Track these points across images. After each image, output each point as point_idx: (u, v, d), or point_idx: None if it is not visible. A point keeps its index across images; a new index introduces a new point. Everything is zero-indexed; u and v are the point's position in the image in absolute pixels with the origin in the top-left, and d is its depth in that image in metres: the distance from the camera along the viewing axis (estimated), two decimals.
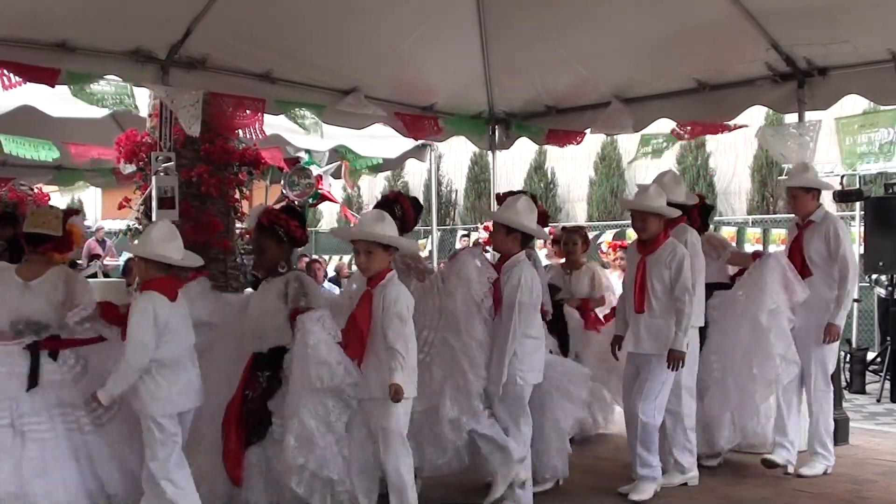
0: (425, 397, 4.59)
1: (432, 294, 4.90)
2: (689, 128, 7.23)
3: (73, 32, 5.69)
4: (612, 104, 7.35)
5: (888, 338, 9.71)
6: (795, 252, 5.79)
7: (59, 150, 8.85)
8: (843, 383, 8.50)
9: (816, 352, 5.69)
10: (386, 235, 4.32)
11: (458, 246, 15.38)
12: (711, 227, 6.89)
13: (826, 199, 15.06)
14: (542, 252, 12.55)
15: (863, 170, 11.24)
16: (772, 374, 5.59)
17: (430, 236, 12.77)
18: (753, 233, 14.57)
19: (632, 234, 18.95)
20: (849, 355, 9.53)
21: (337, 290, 9.49)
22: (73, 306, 4.46)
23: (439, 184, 19.66)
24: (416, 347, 4.34)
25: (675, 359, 5.13)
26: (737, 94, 6.79)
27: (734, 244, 10.71)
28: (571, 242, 6.91)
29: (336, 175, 10.37)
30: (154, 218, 6.50)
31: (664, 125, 7.55)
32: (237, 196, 7.70)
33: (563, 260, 7.14)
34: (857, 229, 10.74)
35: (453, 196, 21.30)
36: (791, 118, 6.97)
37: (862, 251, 9.75)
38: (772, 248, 12.55)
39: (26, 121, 7.68)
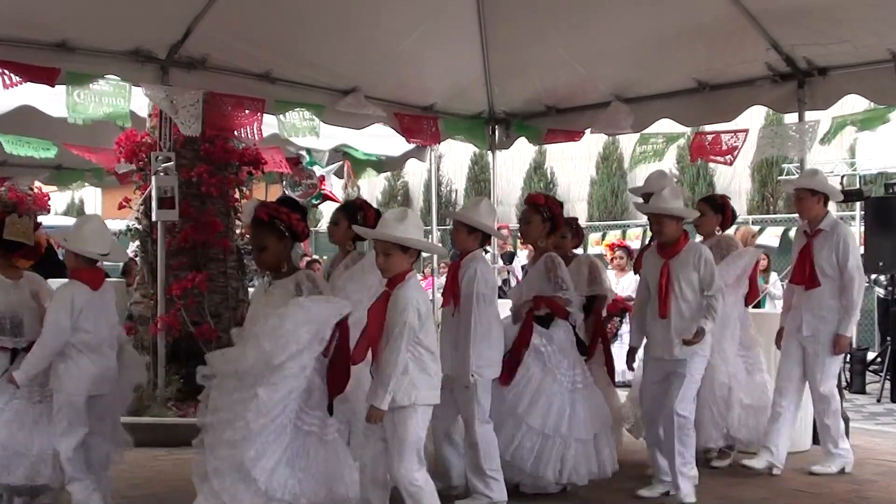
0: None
1: None
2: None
3: (72, 32, 5.69)
4: (612, 104, 7.35)
5: (888, 338, 9.71)
6: (804, 261, 5.75)
7: (57, 149, 8.85)
8: (843, 383, 8.49)
9: (825, 360, 5.68)
10: (405, 237, 4.07)
11: None
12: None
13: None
14: (523, 252, 12.55)
15: (862, 168, 11.26)
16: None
17: (429, 236, 12.79)
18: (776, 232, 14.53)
19: (632, 235, 18.89)
20: (849, 355, 9.52)
21: None
22: (42, 309, 4.70)
23: (439, 184, 19.64)
24: (437, 349, 4.12)
25: (694, 339, 5.04)
26: (737, 94, 6.79)
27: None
28: (559, 235, 5.93)
29: (339, 174, 10.39)
30: (154, 218, 6.51)
31: (663, 125, 7.56)
32: (237, 196, 7.71)
33: None
34: (857, 229, 10.74)
35: (453, 196, 21.28)
36: (791, 118, 6.97)
37: (862, 251, 9.75)
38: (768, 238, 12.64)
39: (26, 121, 7.69)
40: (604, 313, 6.34)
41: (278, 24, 6.27)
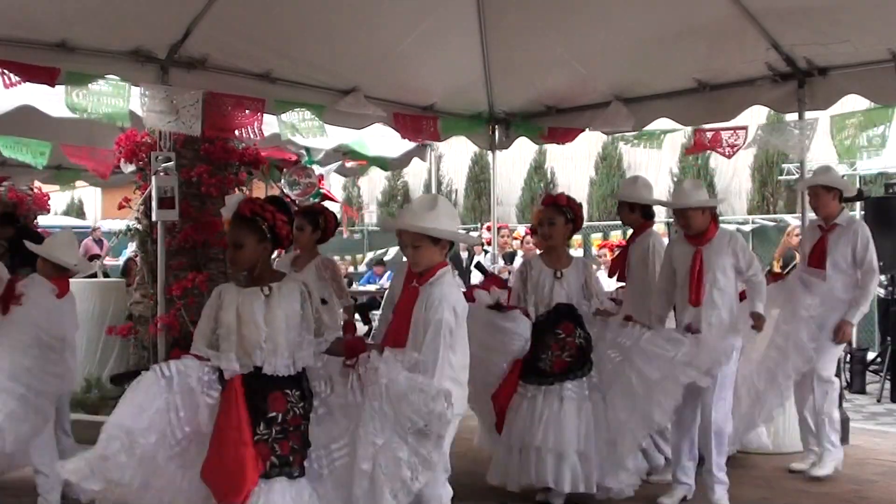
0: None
1: None
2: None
3: (72, 32, 5.68)
4: (612, 104, 7.35)
5: (888, 338, 9.71)
6: (818, 255, 5.78)
7: (51, 154, 8.84)
8: (844, 383, 8.50)
9: (828, 346, 5.72)
10: (435, 227, 3.71)
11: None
12: None
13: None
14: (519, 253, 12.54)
15: (862, 168, 11.25)
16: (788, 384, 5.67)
17: None
18: None
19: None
20: (849, 355, 9.53)
21: None
22: None
23: (439, 184, 19.66)
24: (468, 357, 3.77)
25: (758, 323, 5.05)
26: (737, 94, 6.79)
27: None
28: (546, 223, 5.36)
29: (340, 172, 10.39)
30: (154, 218, 6.51)
31: (661, 124, 7.56)
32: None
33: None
34: None
35: (453, 196, 21.31)
36: (791, 118, 6.97)
37: None
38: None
39: (26, 121, 7.67)
40: None
41: (278, 24, 6.26)
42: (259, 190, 10.20)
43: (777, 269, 6.58)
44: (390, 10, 6.45)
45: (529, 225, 11.77)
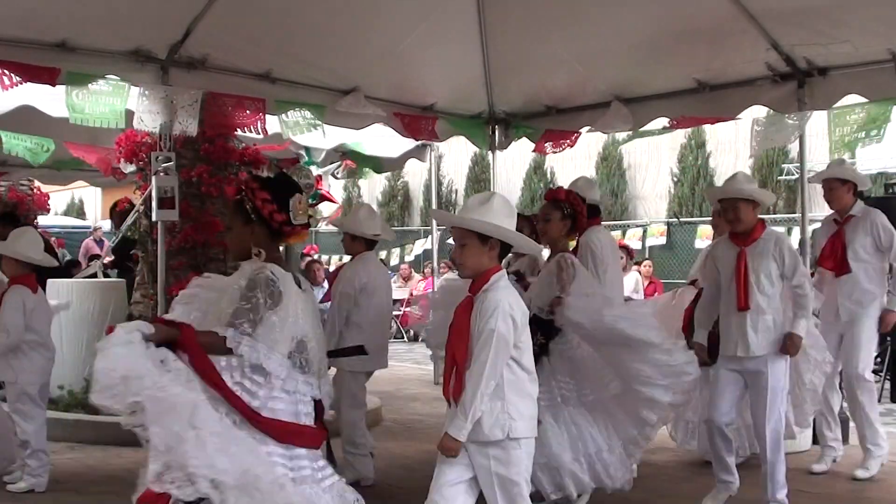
0: None
1: None
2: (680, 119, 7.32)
3: (72, 32, 5.69)
4: (612, 105, 7.34)
5: (888, 338, 9.70)
6: (836, 248, 5.77)
7: (52, 152, 8.85)
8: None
9: (863, 342, 5.72)
10: (480, 221, 3.24)
11: None
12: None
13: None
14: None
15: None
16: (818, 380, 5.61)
17: (430, 236, 12.79)
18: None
19: (633, 235, 18.84)
20: None
21: None
22: None
23: (439, 184, 19.65)
24: (535, 370, 3.36)
25: (793, 343, 4.73)
26: (737, 94, 6.79)
27: None
28: (542, 219, 5.22)
29: (334, 175, 10.39)
30: (154, 218, 6.52)
31: (661, 124, 7.57)
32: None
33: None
34: None
35: (453, 196, 21.29)
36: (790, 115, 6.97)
37: None
38: None
39: (26, 121, 7.69)
40: None
41: (278, 24, 6.27)
42: None
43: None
44: (390, 10, 6.45)
45: None
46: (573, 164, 18.83)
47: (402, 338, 15.88)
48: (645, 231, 17.39)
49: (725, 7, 6.00)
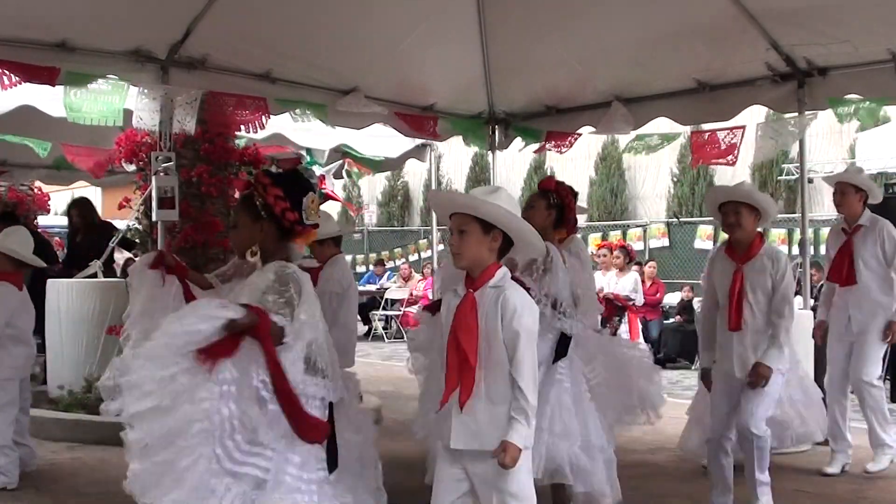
0: None
1: None
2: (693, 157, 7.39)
3: (72, 32, 5.69)
4: (612, 105, 7.34)
5: None
6: (844, 257, 5.76)
7: (54, 152, 8.86)
8: None
9: (871, 349, 5.72)
10: (500, 207, 3.00)
11: None
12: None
13: (826, 198, 15.08)
14: None
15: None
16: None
17: (429, 236, 12.78)
18: (778, 233, 14.54)
19: (633, 235, 18.92)
20: None
21: None
22: None
23: (439, 184, 19.64)
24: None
25: (759, 374, 4.52)
26: (737, 94, 6.79)
27: None
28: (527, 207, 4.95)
29: (338, 175, 10.39)
30: (154, 218, 6.52)
31: (660, 124, 7.56)
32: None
33: None
34: None
35: None
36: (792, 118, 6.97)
37: None
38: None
39: (26, 121, 7.69)
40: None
41: (278, 24, 6.27)
42: None
43: None
44: (390, 10, 6.45)
45: None
46: (573, 164, 18.82)
47: (402, 338, 15.88)
48: (645, 231, 17.39)
49: (725, 7, 6.00)
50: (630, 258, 12.44)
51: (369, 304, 16.57)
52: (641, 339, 10.85)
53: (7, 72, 5.46)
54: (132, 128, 7.06)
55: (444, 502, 3.06)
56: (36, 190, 11.04)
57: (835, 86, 6.39)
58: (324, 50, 6.67)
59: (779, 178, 15.70)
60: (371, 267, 19.62)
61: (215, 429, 2.90)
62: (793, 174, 14.12)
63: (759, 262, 4.63)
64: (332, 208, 12.58)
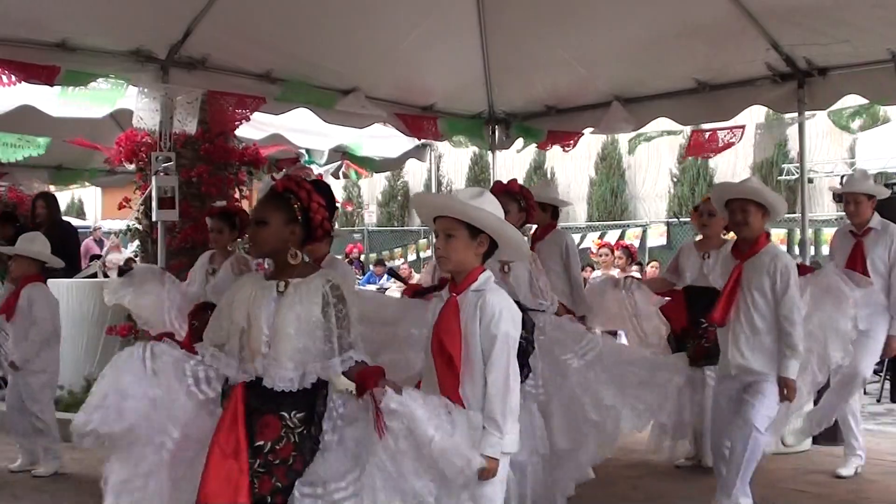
0: None
1: None
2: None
3: (72, 32, 5.69)
4: (612, 105, 7.35)
5: None
6: (856, 261, 5.70)
7: (48, 146, 8.86)
8: None
9: (872, 346, 5.68)
10: (490, 213, 3.01)
11: None
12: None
13: (826, 198, 15.11)
14: None
15: (862, 166, 11.25)
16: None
17: (429, 236, 12.81)
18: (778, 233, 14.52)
19: (633, 235, 18.92)
20: None
21: None
22: None
23: (439, 184, 19.64)
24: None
25: (788, 387, 4.40)
26: (737, 94, 6.79)
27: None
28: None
29: (336, 175, 10.39)
30: (154, 218, 6.52)
31: (660, 124, 7.57)
32: (237, 196, 7.70)
33: None
34: None
35: None
36: (791, 118, 6.98)
37: None
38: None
39: (26, 120, 7.69)
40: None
41: (278, 24, 6.27)
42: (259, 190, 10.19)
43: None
44: (390, 10, 6.45)
45: None
46: (573, 164, 18.85)
47: None
48: (645, 231, 17.40)
49: (725, 7, 6.00)
50: (632, 259, 12.43)
51: None
52: None
53: (6, 71, 5.46)
54: (132, 128, 7.07)
55: None
56: (36, 190, 11.02)
57: (835, 86, 6.39)
58: (324, 50, 6.67)
59: (779, 178, 15.73)
60: (371, 267, 19.62)
61: None
62: (793, 174, 14.15)
63: (758, 260, 4.53)
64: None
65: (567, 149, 8.01)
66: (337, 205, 3.39)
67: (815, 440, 6.47)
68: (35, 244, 5.84)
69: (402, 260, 19.85)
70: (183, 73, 6.27)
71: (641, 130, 7.74)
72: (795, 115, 6.61)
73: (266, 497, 2.86)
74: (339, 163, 10.11)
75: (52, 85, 5.74)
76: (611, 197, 18.63)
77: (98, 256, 13.64)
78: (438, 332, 3.02)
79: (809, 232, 7.10)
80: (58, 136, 8.62)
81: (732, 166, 16.65)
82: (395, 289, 17.14)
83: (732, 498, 4.53)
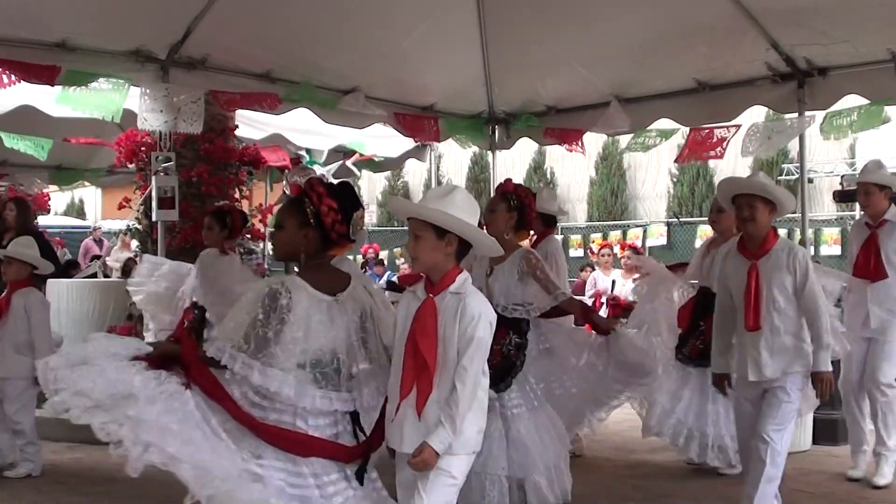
0: None
1: None
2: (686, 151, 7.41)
3: (73, 32, 5.70)
4: (611, 105, 7.34)
5: None
6: (869, 253, 5.61)
7: (51, 149, 8.85)
8: None
9: (891, 350, 5.58)
10: (448, 215, 3.01)
11: None
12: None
13: (826, 198, 15.11)
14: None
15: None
16: None
17: None
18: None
19: (633, 235, 18.88)
20: None
21: None
22: None
23: (439, 184, 19.66)
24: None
25: (824, 381, 4.27)
26: (737, 94, 6.79)
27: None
28: (488, 210, 4.81)
29: (337, 175, 10.40)
30: (154, 218, 6.52)
31: (661, 124, 7.56)
32: (237, 196, 7.71)
33: None
34: None
35: None
36: (790, 118, 6.97)
37: None
38: None
39: (26, 120, 7.70)
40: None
41: (278, 24, 6.27)
42: (259, 190, 10.21)
43: None
44: (390, 10, 6.45)
45: None
46: (573, 164, 18.84)
47: None
48: (645, 231, 17.40)
49: (725, 7, 6.00)
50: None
51: None
52: None
53: (7, 71, 5.46)
54: (132, 128, 7.08)
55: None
56: (36, 190, 11.02)
57: (835, 86, 6.39)
58: (324, 50, 6.67)
59: (779, 178, 15.73)
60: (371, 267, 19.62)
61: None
62: (793, 174, 14.15)
63: (774, 257, 4.35)
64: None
65: (576, 149, 7.98)
66: (361, 211, 3.33)
67: (816, 440, 6.47)
68: (31, 248, 5.81)
69: (402, 260, 19.84)
70: (183, 73, 6.28)
71: (639, 138, 7.71)
72: (795, 115, 6.59)
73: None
74: (341, 162, 10.11)
75: (52, 85, 5.74)
76: (611, 197, 18.62)
77: (98, 257, 13.65)
78: (414, 333, 3.00)
79: (809, 232, 7.08)
80: (58, 136, 8.62)
81: (733, 166, 16.64)
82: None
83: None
